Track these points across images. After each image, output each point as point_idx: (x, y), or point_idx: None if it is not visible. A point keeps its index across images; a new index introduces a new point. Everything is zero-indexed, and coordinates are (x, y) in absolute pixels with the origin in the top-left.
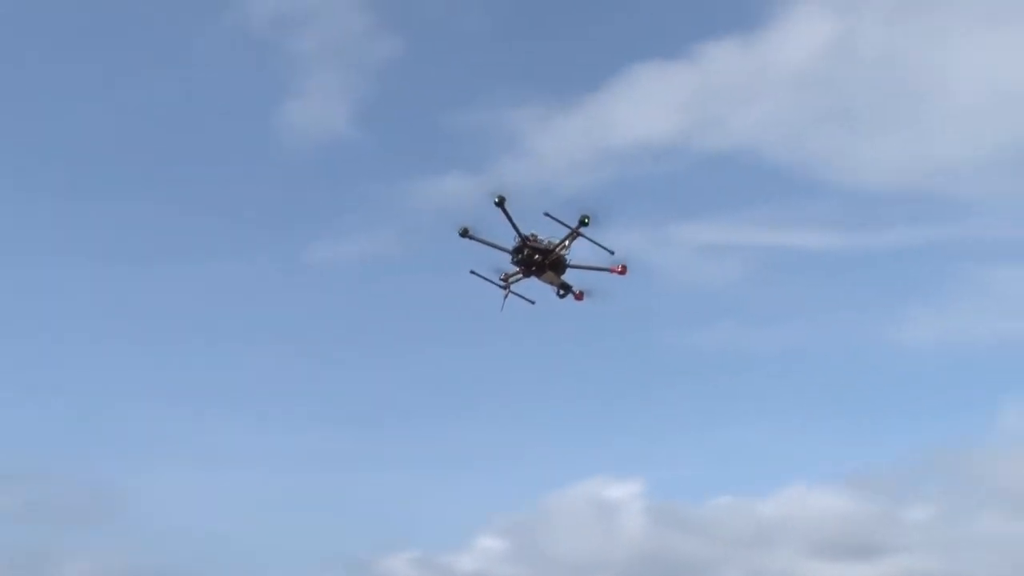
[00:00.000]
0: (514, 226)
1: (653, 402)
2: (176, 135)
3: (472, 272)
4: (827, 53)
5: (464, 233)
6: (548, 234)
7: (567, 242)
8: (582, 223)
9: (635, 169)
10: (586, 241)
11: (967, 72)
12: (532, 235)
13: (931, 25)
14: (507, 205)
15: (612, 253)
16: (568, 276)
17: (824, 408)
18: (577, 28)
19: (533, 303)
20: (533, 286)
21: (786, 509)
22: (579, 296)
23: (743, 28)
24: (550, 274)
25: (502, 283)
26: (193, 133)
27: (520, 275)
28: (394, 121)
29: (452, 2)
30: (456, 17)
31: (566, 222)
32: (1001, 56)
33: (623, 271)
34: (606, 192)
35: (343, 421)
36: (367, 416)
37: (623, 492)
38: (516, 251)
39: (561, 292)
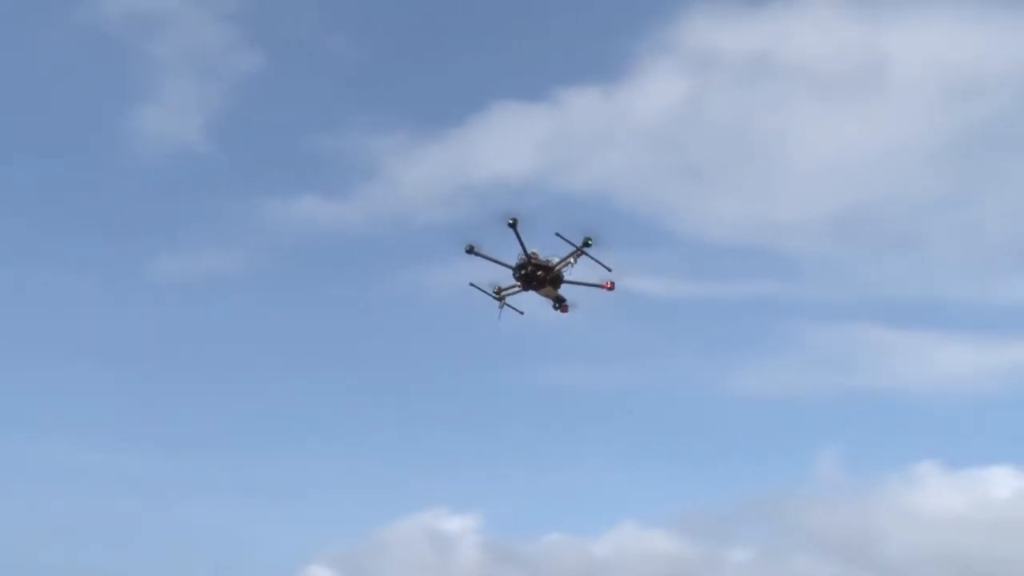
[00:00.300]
0: (522, 245)
1: (495, 437)
2: (14, 132)
3: (471, 284)
4: (679, 110)
5: (470, 250)
6: (546, 253)
7: (571, 260)
8: (586, 244)
9: (491, 205)
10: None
11: (805, 141)
12: (533, 253)
13: (775, 94)
14: (518, 227)
15: (610, 271)
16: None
17: (657, 450)
18: (444, 62)
19: (522, 313)
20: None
21: (616, 548)
22: (564, 309)
23: (604, 78)
24: (548, 288)
25: (496, 296)
26: (35, 131)
27: (518, 289)
28: (251, 138)
29: (318, 22)
30: (322, 38)
31: (572, 242)
32: (835, 129)
33: (612, 287)
34: (463, 226)
35: (173, 445)
36: (198, 441)
37: (459, 526)
38: (520, 267)
39: (556, 305)
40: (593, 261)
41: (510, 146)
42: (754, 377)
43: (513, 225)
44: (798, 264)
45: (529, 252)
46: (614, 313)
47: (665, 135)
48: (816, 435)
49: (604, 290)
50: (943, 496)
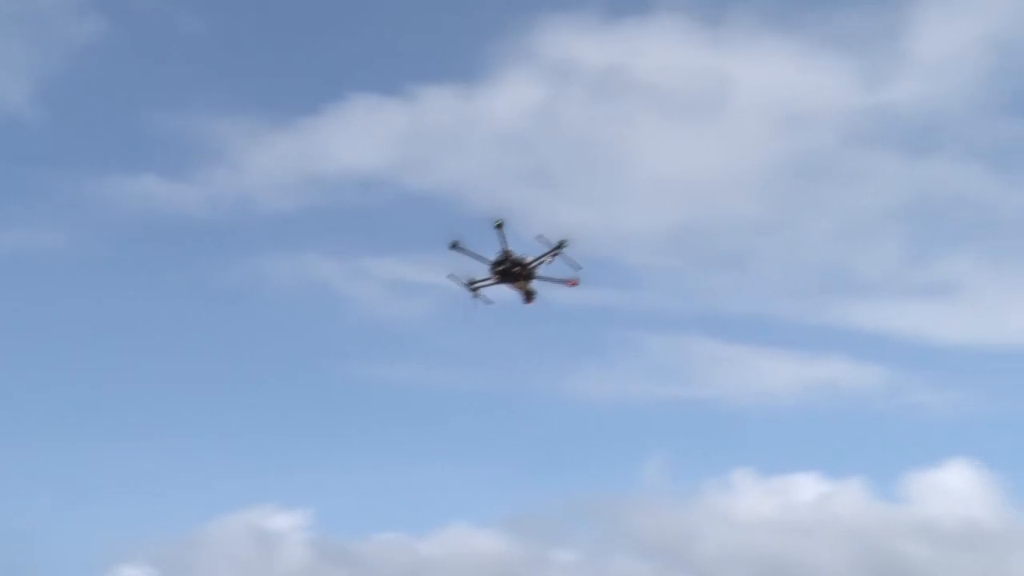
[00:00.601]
0: (504, 244)
1: (330, 434)
2: None
3: (449, 276)
4: (534, 116)
5: (454, 245)
6: (518, 252)
7: (547, 258)
8: (561, 245)
9: (340, 198)
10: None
11: (650, 156)
12: (509, 251)
13: (626, 108)
14: (503, 228)
15: (581, 268)
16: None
17: (493, 451)
18: (302, 48)
19: (492, 303)
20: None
21: (445, 548)
22: (532, 300)
23: (462, 79)
24: (523, 282)
25: (470, 288)
26: None
27: (492, 282)
28: (87, 109)
29: None
30: (172, 9)
31: (550, 243)
32: (678, 147)
33: (575, 283)
34: (310, 217)
35: None
36: (3, 430)
37: (286, 523)
38: (498, 263)
39: (525, 298)
40: (561, 260)
41: (364, 139)
42: (591, 383)
43: (500, 226)
44: (638, 275)
45: (505, 253)
46: (457, 315)
47: (519, 140)
48: (645, 441)
49: (569, 286)
50: (755, 501)
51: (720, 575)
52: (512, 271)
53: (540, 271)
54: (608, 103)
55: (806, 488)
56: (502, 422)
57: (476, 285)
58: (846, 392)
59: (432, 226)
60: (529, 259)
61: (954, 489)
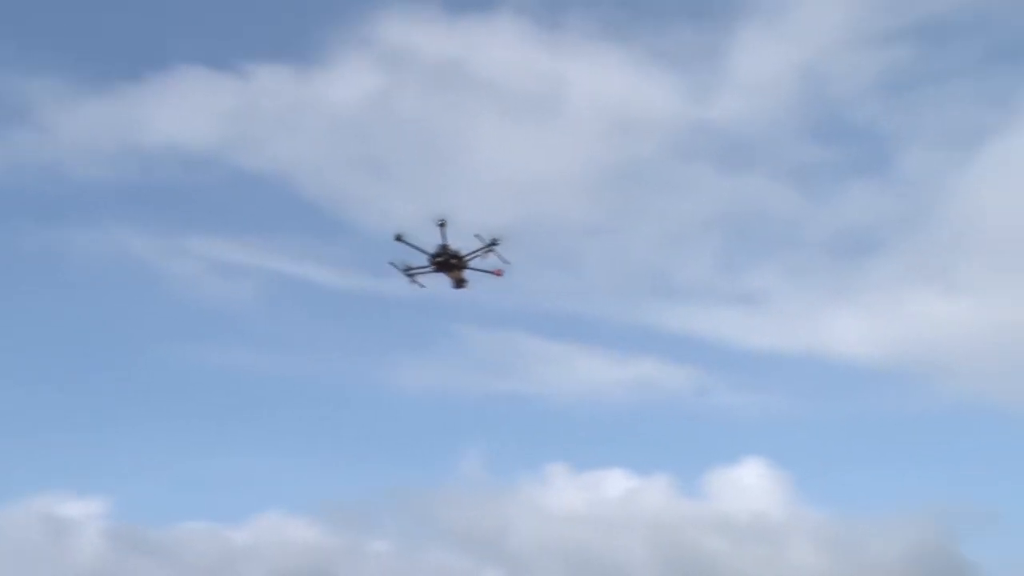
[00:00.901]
0: (444, 239)
1: (135, 417)
2: None
3: (390, 263)
4: (371, 104)
5: (398, 238)
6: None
7: (479, 253)
8: (494, 242)
9: (162, 172)
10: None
11: (484, 152)
12: (447, 245)
13: (463, 103)
14: (445, 227)
15: (509, 263)
16: None
17: (311, 439)
18: (125, 9)
19: (424, 287)
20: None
21: (257, 537)
22: (463, 287)
23: (298, 60)
24: (456, 272)
25: (407, 274)
26: None
27: (429, 270)
28: None
29: None
30: None
31: (485, 240)
32: (513, 145)
33: (500, 274)
34: (125, 190)
35: None
36: None
37: (81, 511)
38: (437, 255)
39: (456, 284)
40: (495, 256)
41: (190, 113)
42: (412, 374)
43: (442, 225)
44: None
45: (442, 247)
46: (285, 299)
47: (354, 127)
48: (464, 434)
49: (495, 276)
50: (568, 495)
51: (532, 567)
52: (449, 263)
53: (472, 263)
54: (446, 96)
55: (616, 484)
56: (320, 410)
57: (413, 272)
58: (657, 391)
59: (260, 208)
60: (464, 253)
61: (749, 485)
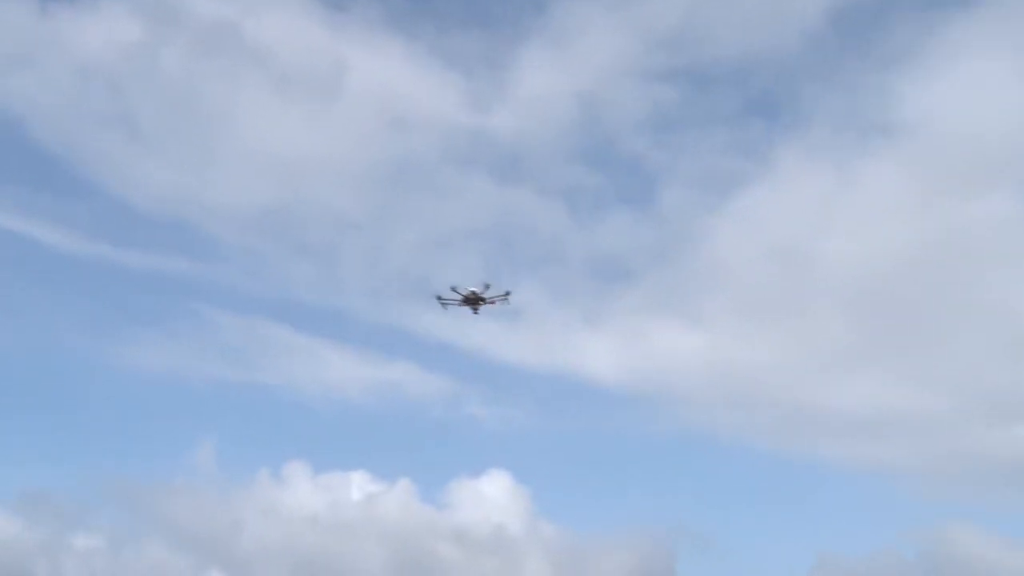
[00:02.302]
0: (470, 288)
1: None
2: None
3: (437, 298)
4: (127, 55)
5: (439, 298)
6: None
7: (498, 300)
8: (508, 294)
9: None
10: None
11: (254, 127)
12: (474, 290)
13: (232, 70)
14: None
15: (508, 303)
16: None
17: (14, 419)
18: None
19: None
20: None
21: None
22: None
23: None
24: (477, 305)
25: (440, 301)
26: None
27: (458, 303)
28: None
29: None
30: None
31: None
32: (285, 124)
33: (494, 303)
34: None
35: None
36: None
37: None
38: (466, 299)
39: (474, 310)
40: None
41: None
42: (150, 354)
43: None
44: (220, 249)
45: (472, 290)
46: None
47: (106, 77)
48: (199, 423)
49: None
50: (305, 496)
51: (257, 570)
52: (474, 303)
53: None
54: (215, 60)
55: (357, 487)
56: (32, 386)
57: (444, 301)
58: (410, 397)
59: None
60: (487, 295)
61: (490, 497)
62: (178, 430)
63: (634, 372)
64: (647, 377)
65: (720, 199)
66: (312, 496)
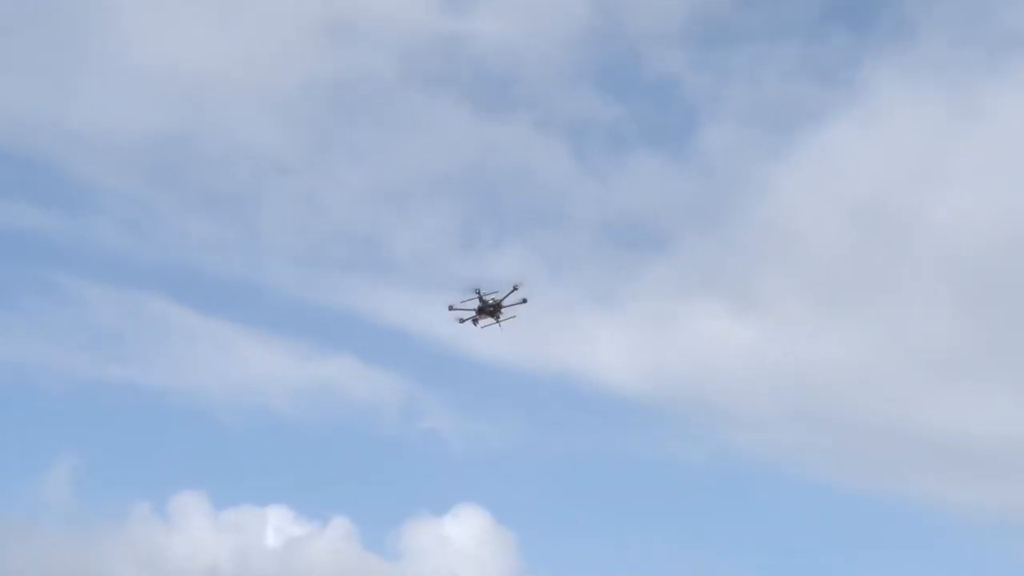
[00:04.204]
0: (481, 299)
1: None
2: None
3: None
4: None
5: (451, 308)
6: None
7: (509, 298)
8: (515, 288)
9: None
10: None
11: (140, 32)
12: (487, 299)
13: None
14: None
15: (515, 288)
16: None
17: None
18: None
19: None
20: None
21: None
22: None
23: None
24: (496, 312)
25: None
26: None
27: (473, 311)
28: None
29: None
30: None
31: (507, 287)
32: (182, 28)
33: (525, 301)
34: None
35: None
36: None
37: None
38: (481, 309)
39: (497, 321)
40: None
41: None
42: None
43: (478, 292)
44: (88, 197)
45: (487, 298)
46: None
47: None
48: (55, 439)
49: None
50: (203, 539)
51: None
52: (490, 310)
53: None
54: None
55: (274, 527)
56: None
57: (461, 313)
58: (350, 404)
59: None
60: (503, 300)
61: (458, 543)
62: (23, 448)
63: (659, 374)
64: (677, 382)
65: (785, 140)
66: (211, 540)
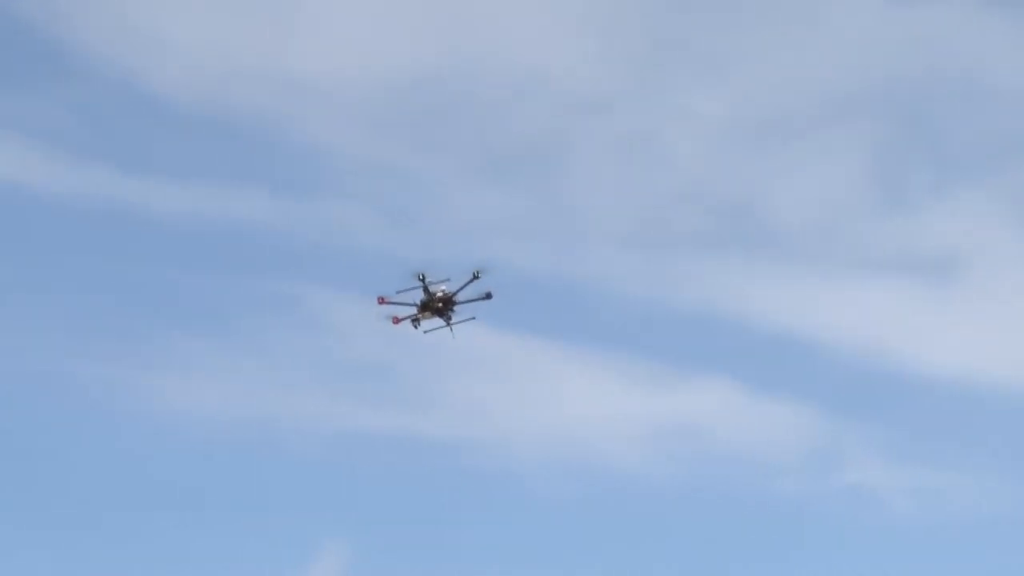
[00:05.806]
0: (427, 290)
1: None
2: None
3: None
4: None
5: (381, 300)
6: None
7: (465, 288)
8: (475, 276)
9: None
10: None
11: None
12: (433, 292)
13: None
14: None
15: (475, 277)
16: None
17: None
18: None
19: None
20: None
21: None
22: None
23: None
24: (448, 313)
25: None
26: None
27: (416, 313)
28: None
29: None
30: None
31: (467, 277)
32: None
33: (490, 296)
34: None
35: None
36: None
37: None
38: (424, 304)
39: (447, 322)
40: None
41: None
42: None
43: (423, 279)
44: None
45: (434, 289)
46: None
47: None
48: None
49: (486, 300)
50: None
51: None
52: (437, 307)
53: (460, 296)
54: None
55: None
56: None
57: (402, 319)
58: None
59: None
60: (453, 292)
61: None
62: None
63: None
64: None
65: None
66: None
